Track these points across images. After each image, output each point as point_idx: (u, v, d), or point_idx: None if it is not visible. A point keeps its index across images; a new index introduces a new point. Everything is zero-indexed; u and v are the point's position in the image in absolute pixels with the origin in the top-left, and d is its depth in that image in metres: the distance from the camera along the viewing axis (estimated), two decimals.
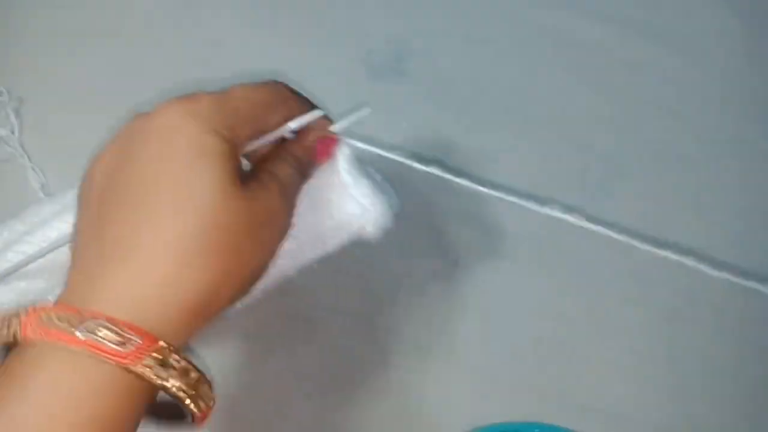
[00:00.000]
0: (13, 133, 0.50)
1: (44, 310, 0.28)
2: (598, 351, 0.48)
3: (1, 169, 0.50)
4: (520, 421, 0.45)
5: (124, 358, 0.27)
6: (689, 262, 0.49)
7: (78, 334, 0.27)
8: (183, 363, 0.28)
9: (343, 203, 0.36)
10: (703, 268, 0.49)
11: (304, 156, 0.35)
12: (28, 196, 0.49)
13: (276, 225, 0.32)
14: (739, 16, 0.56)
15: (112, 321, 0.27)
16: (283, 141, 0.34)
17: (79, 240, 0.31)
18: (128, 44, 0.54)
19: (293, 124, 0.34)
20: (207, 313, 0.29)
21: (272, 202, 0.31)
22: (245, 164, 0.32)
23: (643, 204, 0.51)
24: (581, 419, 0.45)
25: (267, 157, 0.34)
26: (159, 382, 0.27)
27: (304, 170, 0.34)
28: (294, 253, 0.35)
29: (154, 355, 0.27)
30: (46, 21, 0.54)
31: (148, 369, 0.27)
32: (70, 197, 0.41)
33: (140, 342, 0.27)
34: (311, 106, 0.35)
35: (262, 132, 0.33)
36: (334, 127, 0.35)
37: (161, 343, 0.27)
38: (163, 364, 0.27)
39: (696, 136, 0.53)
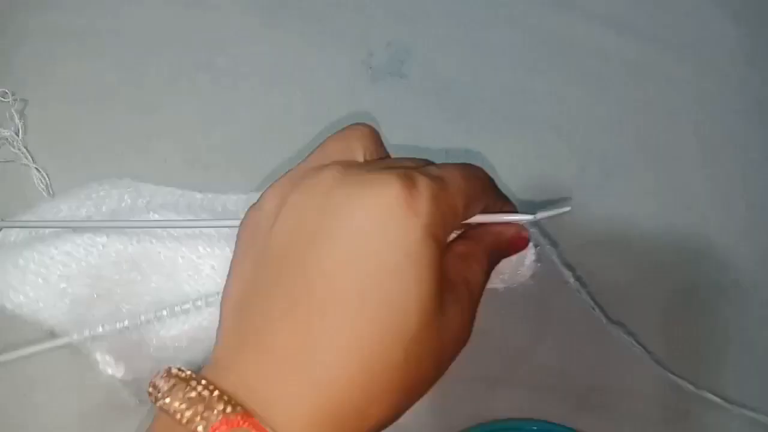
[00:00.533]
0: (17, 134, 0.50)
1: (236, 424, 0.24)
2: (598, 347, 0.48)
3: (5, 170, 0.50)
4: (520, 418, 0.46)
5: None
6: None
7: None
8: None
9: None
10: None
11: (496, 253, 0.32)
12: (32, 197, 0.49)
13: (460, 344, 0.29)
14: (737, 18, 0.56)
15: None
16: (469, 226, 0.32)
17: (242, 302, 0.28)
18: (129, 44, 0.54)
19: (503, 218, 0.32)
20: None
21: (463, 322, 0.29)
22: None
23: (642, 205, 0.51)
24: (581, 417, 0.46)
25: (456, 245, 0.31)
26: None
27: (493, 268, 0.32)
28: None
29: None
30: (48, 21, 0.54)
31: None
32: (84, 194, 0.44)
33: None
34: (504, 198, 0.33)
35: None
36: (528, 222, 0.33)
37: None
38: None
39: (695, 138, 0.53)
